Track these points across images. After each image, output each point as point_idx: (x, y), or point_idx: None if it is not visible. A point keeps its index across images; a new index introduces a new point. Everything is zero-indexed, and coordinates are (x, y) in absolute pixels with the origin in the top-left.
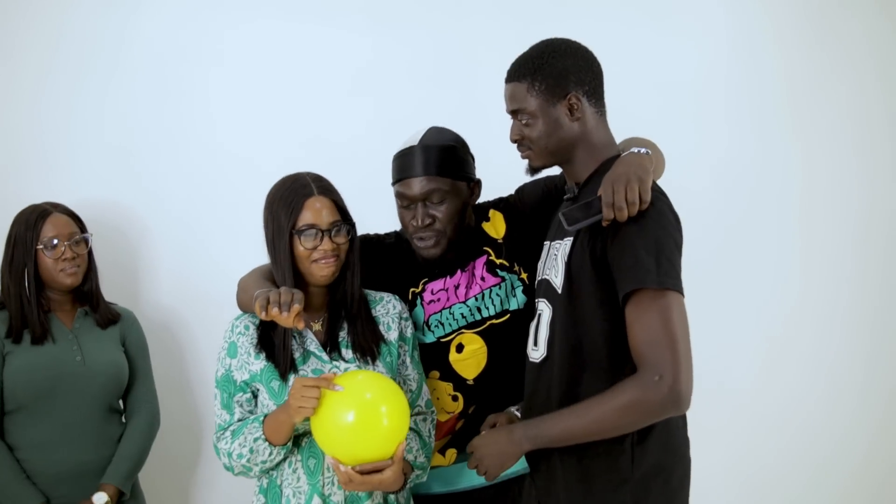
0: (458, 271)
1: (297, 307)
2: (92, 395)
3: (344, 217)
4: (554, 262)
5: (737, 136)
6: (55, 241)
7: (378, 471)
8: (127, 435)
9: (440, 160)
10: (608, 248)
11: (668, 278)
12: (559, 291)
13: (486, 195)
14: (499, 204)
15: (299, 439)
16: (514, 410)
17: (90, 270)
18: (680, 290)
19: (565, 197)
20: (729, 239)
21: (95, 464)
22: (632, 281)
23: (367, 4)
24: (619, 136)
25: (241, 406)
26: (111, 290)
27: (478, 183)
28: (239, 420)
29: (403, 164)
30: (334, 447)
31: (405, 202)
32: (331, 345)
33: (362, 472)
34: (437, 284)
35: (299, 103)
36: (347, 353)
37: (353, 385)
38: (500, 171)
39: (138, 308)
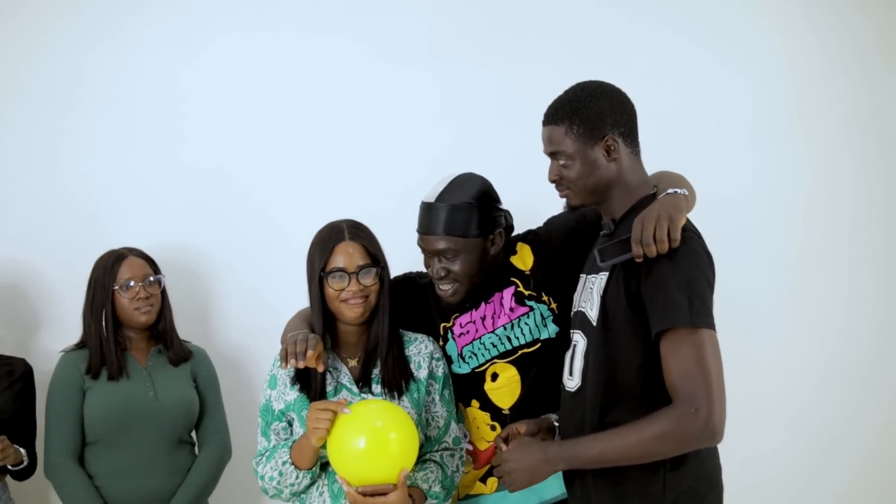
0: (483, 304)
1: (311, 353)
2: (163, 428)
3: (374, 261)
4: (590, 295)
5: (792, 157)
6: (131, 283)
7: (382, 494)
8: (196, 464)
9: (451, 221)
10: (642, 285)
11: (699, 317)
12: (594, 324)
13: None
14: (527, 237)
15: (328, 464)
16: (554, 420)
17: (164, 309)
18: (712, 327)
19: (602, 233)
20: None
21: (166, 491)
22: (664, 320)
23: (430, 43)
24: (663, 161)
25: (276, 434)
26: (185, 327)
27: (499, 234)
28: (273, 447)
29: (421, 218)
30: (344, 469)
31: (425, 252)
32: (363, 380)
33: (365, 494)
34: (464, 318)
35: (364, 142)
36: (377, 388)
37: (366, 412)
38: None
39: (210, 344)
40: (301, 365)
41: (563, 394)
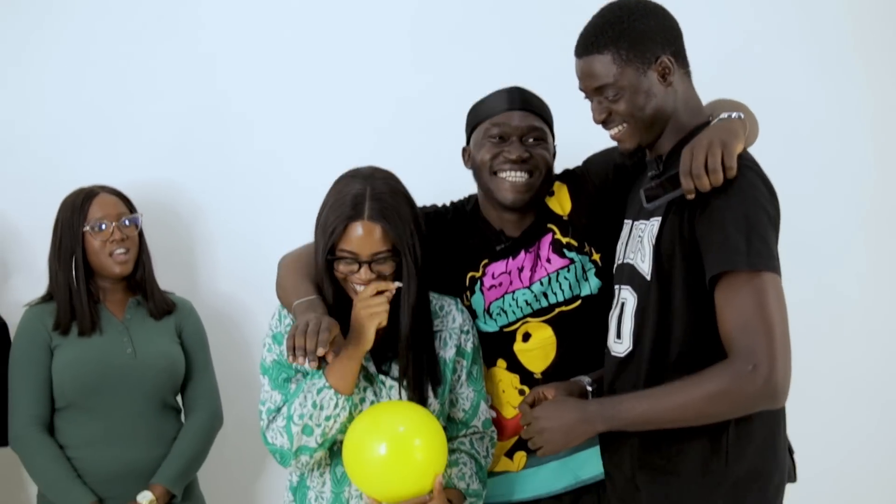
0: (522, 252)
1: (321, 351)
2: (144, 390)
3: (396, 247)
4: (639, 244)
5: None
6: (103, 223)
7: None
8: (182, 433)
9: (542, 106)
10: (696, 227)
11: (760, 259)
12: (647, 277)
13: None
14: (562, 176)
15: (333, 446)
16: (587, 384)
17: (142, 255)
18: (775, 270)
19: (649, 173)
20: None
21: (148, 463)
22: (720, 263)
23: None
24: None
25: (297, 385)
26: (166, 276)
27: (555, 147)
28: (295, 390)
29: (501, 99)
30: (369, 485)
31: (497, 138)
32: (380, 358)
33: None
34: (498, 267)
35: (374, 68)
36: (397, 370)
37: (386, 418)
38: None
39: (197, 295)
40: (313, 366)
41: (608, 359)
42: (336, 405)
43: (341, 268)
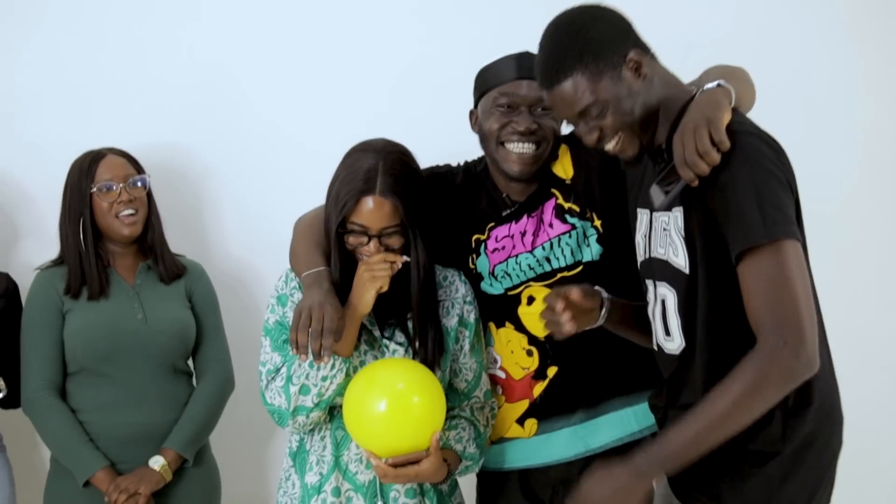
0: (525, 216)
1: (326, 359)
2: (155, 354)
3: (405, 223)
4: (666, 238)
5: None
6: (111, 185)
7: (414, 462)
8: (194, 397)
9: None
10: (711, 208)
11: (776, 227)
12: (685, 271)
13: None
14: (567, 139)
15: (333, 409)
16: (605, 297)
17: (151, 218)
18: (794, 236)
19: (656, 168)
20: None
21: (161, 427)
22: (740, 240)
23: None
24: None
25: None
26: (174, 239)
27: None
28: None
29: (511, 66)
30: (367, 439)
31: (506, 108)
32: (384, 324)
33: (396, 465)
34: (502, 231)
35: (379, 32)
36: (401, 335)
37: (386, 375)
38: None
39: (206, 258)
40: (316, 364)
41: (661, 357)
42: (333, 366)
43: (351, 240)
